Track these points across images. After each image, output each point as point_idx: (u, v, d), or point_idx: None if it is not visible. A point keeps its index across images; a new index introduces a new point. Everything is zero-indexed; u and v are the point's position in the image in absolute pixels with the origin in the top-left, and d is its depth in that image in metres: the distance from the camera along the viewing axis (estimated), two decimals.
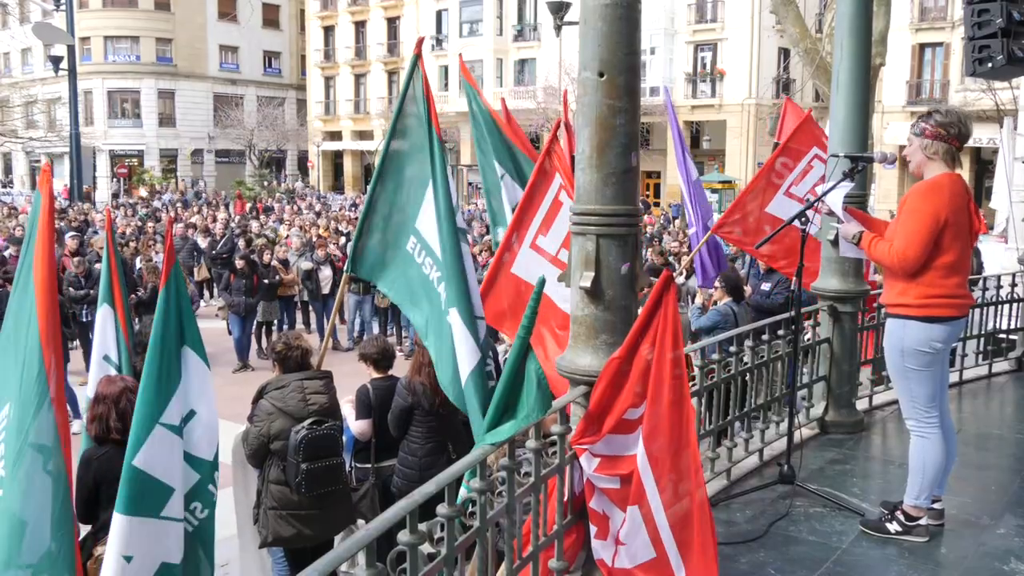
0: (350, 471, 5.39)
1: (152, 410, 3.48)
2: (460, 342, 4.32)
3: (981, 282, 7.08)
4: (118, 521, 3.38)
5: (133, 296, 10.51)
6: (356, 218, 20.67)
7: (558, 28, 12.29)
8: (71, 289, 10.86)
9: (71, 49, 16.34)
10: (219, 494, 3.82)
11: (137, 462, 3.41)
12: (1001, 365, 7.08)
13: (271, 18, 53.50)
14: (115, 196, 39.08)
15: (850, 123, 5.33)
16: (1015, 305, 7.17)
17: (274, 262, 13.37)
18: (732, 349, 4.60)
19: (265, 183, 43.94)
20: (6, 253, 13.70)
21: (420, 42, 4.87)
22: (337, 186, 49.26)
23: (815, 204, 4.46)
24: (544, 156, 5.52)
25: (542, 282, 2.82)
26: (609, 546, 3.08)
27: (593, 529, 3.12)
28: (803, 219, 4.39)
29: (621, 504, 3.00)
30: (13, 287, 3.49)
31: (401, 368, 5.54)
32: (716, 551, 2.94)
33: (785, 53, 32.05)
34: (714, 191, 32.86)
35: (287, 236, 17.88)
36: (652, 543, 2.96)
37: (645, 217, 20.49)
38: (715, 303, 7.66)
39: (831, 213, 4.32)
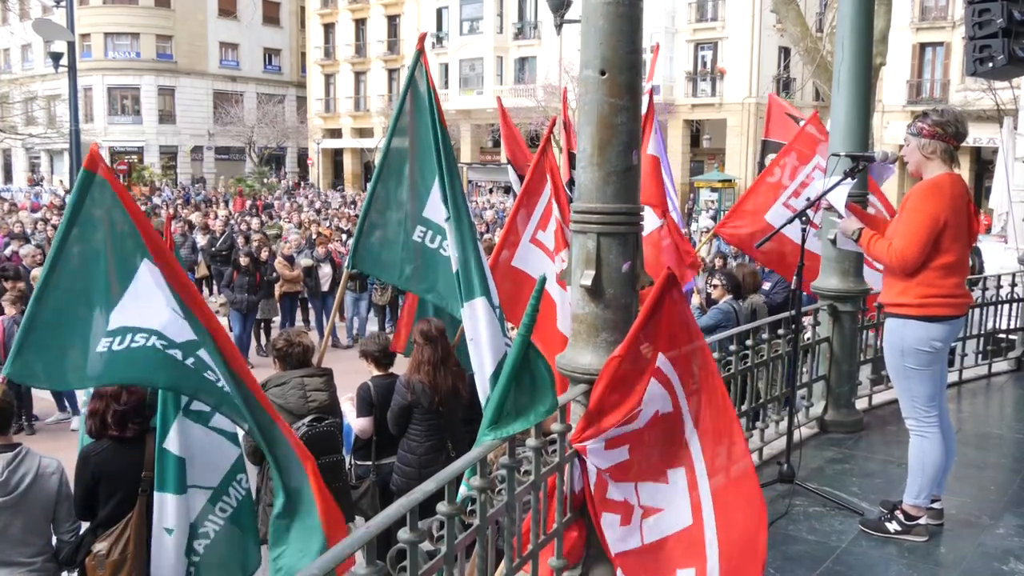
0: (350, 468, 5.39)
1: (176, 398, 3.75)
2: (489, 331, 4.36)
3: (981, 282, 7.09)
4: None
5: None
6: (355, 215, 20.70)
7: (559, 26, 12.28)
8: None
9: (71, 46, 16.29)
10: None
11: (168, 445, 3.75)
12: (1000, 365, 7.09)
13: (271, 15, 53.48)
14: None
15: (851, 122, 5.34)
16: (1015, 305, 7.17)
17: (279, 259, 13.37)
18: (732, 348, 4.60)
19: (265, 180, 43.93)
20: (7, 251, 13.66)
21: (423, 38, 4.86)
22: (336, 183, 49.22)
23: (816, 202, 4.46)
24: (540, 154, 5.57)
25: (543, 280, 2.81)
26: (634, 529, 3.05)
27: (616, 519, 3.06)
28: (803, 218, 4.39)
29: (637, 476, 3.00)
30: (54, 267, 3.36)
31: (401, 366, 5.54)
32: (763, 532, 2.95)
33: (785, 52, 32.04)
34: (714, 190, 32.87)
35: (286, 231, 17.90)
36: (692, 510, 2.97)
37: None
38: (714, 301, 7.66)
39: (831, 208, 4.32)
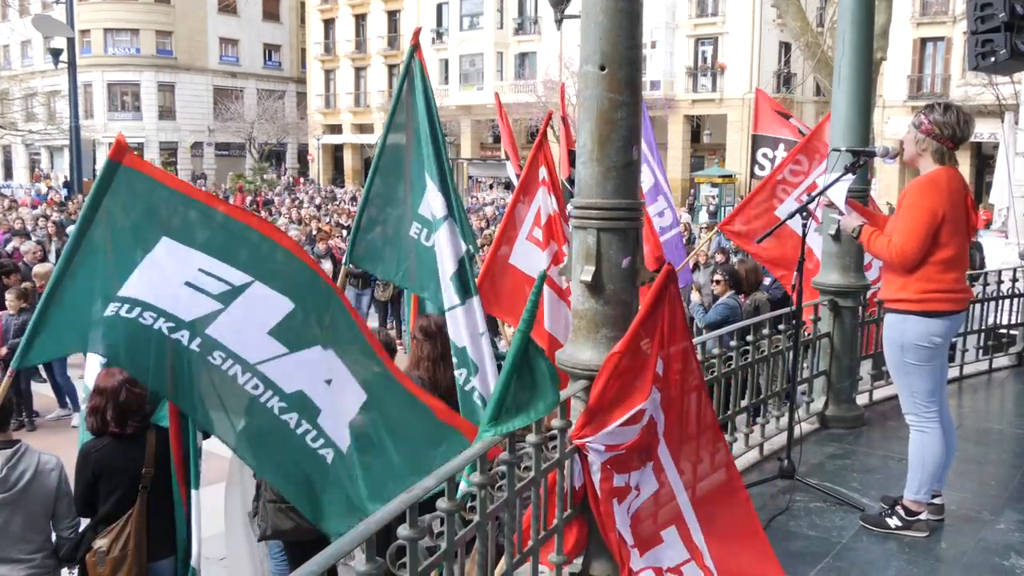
0: None
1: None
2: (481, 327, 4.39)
3: (982, 277, 7.08)
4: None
5: None
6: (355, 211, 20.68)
7: (559, 22, 12.26)
8: None
9: (71, 42, 16.28)
10: (210, 489, 4.17)
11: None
12: (1001, 360, 7.08)
13: (271, 11, 53.46)
14: None
15: (852, 117, 5.32)
16: (1015, 300, 7.17)
17: None
18: (732, 344, 4.60)
19: (265, 176, 43.92)
20: (8, 247, 13.66)
21: (417, 32, 4.85)
22: (336, 179, 49.18)
23: (816, 199, 4.46)
24: (536, 149, 5.56)
25: (543, 276, 2.81)
26: (626, 506, 3.09)
27: (616, 500, 3.10)
28: (804, 214, 4.38)
29: (629, 468, 3.03)
30: (74, 253, 3.40)
31: (401, 362, 5.53)
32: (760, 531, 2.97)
33: (786, 47, 31.98)
34: (714, 185, 32.83)
35: (282, 226, 17.88)
36: (656, 474, 3.07)
37: None
38: (716, 297, 7.67)
39: (831, 205, 4.32)
